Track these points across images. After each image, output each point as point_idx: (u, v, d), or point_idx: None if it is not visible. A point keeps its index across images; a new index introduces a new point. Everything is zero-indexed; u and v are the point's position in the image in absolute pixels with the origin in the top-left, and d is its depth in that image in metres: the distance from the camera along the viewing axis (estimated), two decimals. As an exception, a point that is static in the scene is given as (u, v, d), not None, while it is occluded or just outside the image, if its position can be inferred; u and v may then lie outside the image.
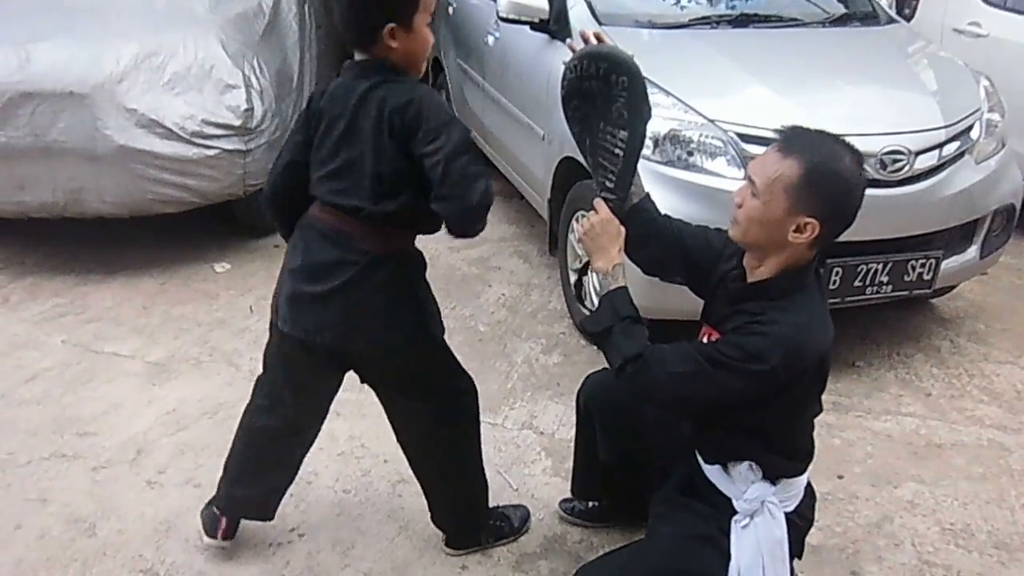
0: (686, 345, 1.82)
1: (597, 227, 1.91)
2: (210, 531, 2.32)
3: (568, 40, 2.05)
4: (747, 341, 1.71)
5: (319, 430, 2.31)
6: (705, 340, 1.89)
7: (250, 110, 3.94)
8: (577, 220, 3.51)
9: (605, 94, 1.91)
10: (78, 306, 3.78)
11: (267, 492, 2.32)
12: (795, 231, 1.71)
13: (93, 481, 2.67)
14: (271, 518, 2.36)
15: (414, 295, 2.00)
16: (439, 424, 2.17)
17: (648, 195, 2.05)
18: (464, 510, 2.35)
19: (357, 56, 1.92)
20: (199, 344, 3.49)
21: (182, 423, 2.96)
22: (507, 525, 2.43)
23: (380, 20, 1.80)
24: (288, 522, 2.49)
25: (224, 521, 2.32)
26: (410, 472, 2.68)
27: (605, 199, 1.96)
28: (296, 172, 1.99)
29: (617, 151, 1.92)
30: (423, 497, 2.58)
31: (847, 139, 1.77)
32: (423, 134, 1.78)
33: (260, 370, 3.24)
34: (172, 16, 4.17)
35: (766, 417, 1.80)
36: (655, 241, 2.01)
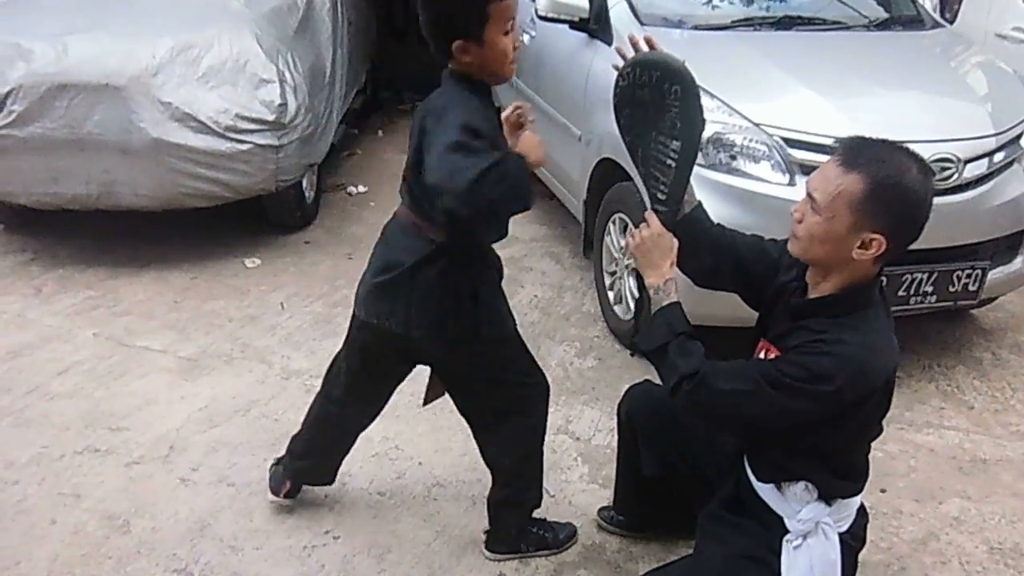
0: (745, 362, 1.77)
1: (648, 241, 1.85)
2: (275, 489, 2.48)
3: (616, 45, 1.98)
4: (812, 361, 1.65)
5: (379, 411, 2.38)
6: (762, 356, 1.83)
7: (284, 105, 3.92)
8: (614, 223, 3.47)
9: (658, 103, 1.86)
10: (110, 299, 3.77)
11: (328, 462, 2.47)
12: (860, 247, 1.65)
13: (127, 477, 2.65)
14: (331, 483, 2.51)
15: (475, 291, 1.99)
16: (499, 417, 2.19)
17: (700, 204, 2.00)
18: (513, 503, 2.33)
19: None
20: (230, 340, 3.47)
21: (215, 420, 2.94)
22: (551, 536, 2.39)
23: (448, 36, 1.80)
24: (323, 524, 2.47)
25: (288, 483, 2.47)
26: (446, 475, 2.68)
27: (656, 211, 1.90)
28: None
29: (669, 162, 1.86)
30: (459, 501, 2.57)
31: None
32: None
33: (291, 367, 3.26)
34: (207, 11, 4.16)
35: (828, 439, 1.74)
36: (708, 252, 1.96)
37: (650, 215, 1.90)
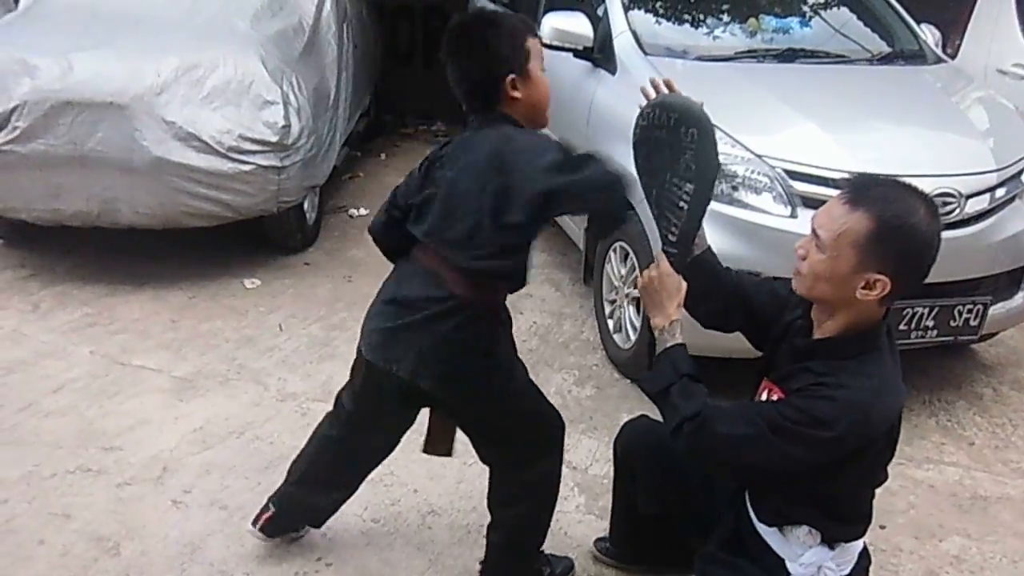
0: (748, 405, 1.74)
1: (656, 282, 1.84)
2: (255, 519, 2.34)
3: (641, 86, 2.00)
4: (813, 405, 1.62)
5: (385, 456, 2.32)
6: (765, 396, 1.80)
7: (287, 127, 3.93)
8: (615, 251, 3.46)
9: (674, 146, 1.85)
10: (106, 317, 3.76)
11: (325, 504, 2.35)
12: (864, 288, 1.62)
13: (117, 498, 2.62)
14: (318, 525, 2.41)
15: (490, 349, 1.96)
16: (511, 468, 2.14)
17: (710, 248, 1.98)
18: (514, 547, 2.26)
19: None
20: (227, 361, 3.45)
21: (208, 442, 2.91)
22: (548, 571, 2.34)
23: (501, 73, 1.86)
24: (315, 551, 2.43)
25: (271, 509, 2.32)
26: (441, 503, 2.65)
27: (666, 252, 1.89)
28: None
29: (682, 204, 1.85)
30: (454, 530, 2.53)
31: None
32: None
33: (287, 390, 3.24)
34: (213, 31, 4.18)
35: (831, 486, 1.71)
36: (716, 295, 1.94)
37: (660, 256, 1.89)
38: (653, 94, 1.93)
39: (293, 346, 3.59)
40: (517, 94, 1.87)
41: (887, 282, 1.61)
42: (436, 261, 1.90)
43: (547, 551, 2.38)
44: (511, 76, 1.86)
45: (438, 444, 2.14)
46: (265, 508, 2.34)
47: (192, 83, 3.83)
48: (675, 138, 1.85)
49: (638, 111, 1.96)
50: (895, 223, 1.59)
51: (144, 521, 2.52)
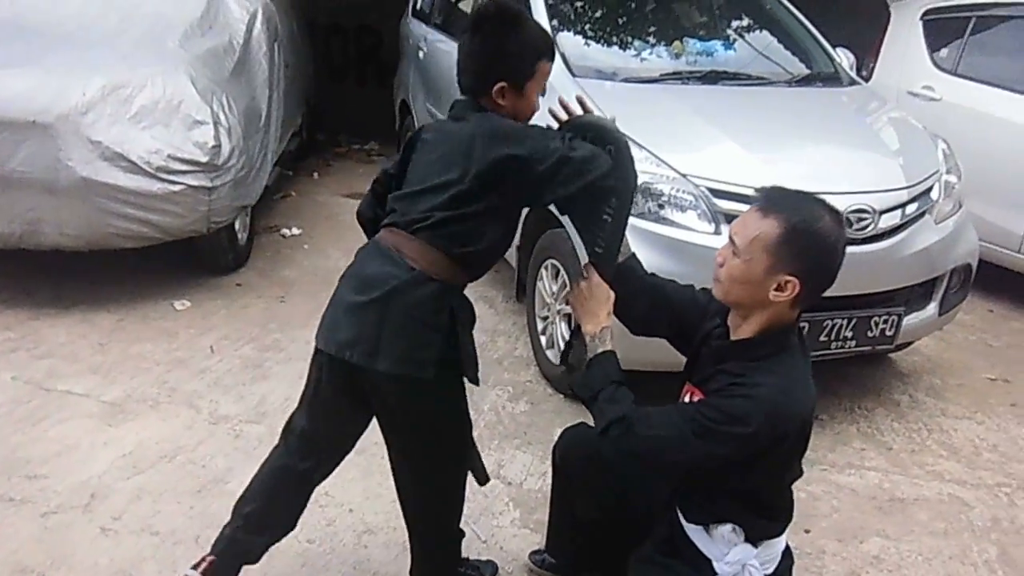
0: (670, 408, 1.82)
1: (586, 292, 1.94)
2: (196, 564, 2.13)
3: (550, 107, 2.06)
4: (730, 404, 1.71)
5: (329, 472, 2.20)
6: (687, 399, 1.89)
7: (217, 147, 3.90)
8: (547, 268, 3.52)
9: None
10: (30, 341, 3.66)
11: (271, 540, 2.20)
12: (776, 289, 1.73)
13: (43, 528, 2.55)
14: (256, 562, 2.24)
15: (452, 328, 1.90)
16: (426, 480, 2.12)
17: (634, 255, 2.07)
18: (436, 563, 2.29)
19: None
20: (157, 384, 3.39)
21: (139, 466, 2.86)
22: (475, 575, 2.38)
23: (497, 75, 1.87)
24: (250, 573, 2.39)
25: (212, 557, 2.13)
26: (377, 522, 2.65)
27: (594, 264, 1.97)
28: None
29: (605, 217, 1.94)
30: (390, 548, 2.54)
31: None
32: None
33: (220, 412, 3.20)
34: (142, 50, 4.13)
35: (750, 480, 1.79)
36: (643, 301, 2.03)
37: (588, 267, 1.98)
38: (563, 114, 2.01)
39: (225, 367, 3.55)
40: (503, 102, 1.89)
41: (796, 283, 1.72)
42: (398, 238, 1.89)
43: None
44: (503, 84, 1.87)
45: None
46: (209, 554, 2.16)
47: (120, 102, 3.78)
48: None
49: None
50: (802, 227, 1.71)
51: (72, 550, 2.47)
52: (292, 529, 2.22)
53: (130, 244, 3.92)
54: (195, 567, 2.13)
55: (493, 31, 1.90)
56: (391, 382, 1.90)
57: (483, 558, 2.47)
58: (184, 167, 3.82)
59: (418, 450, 2.06)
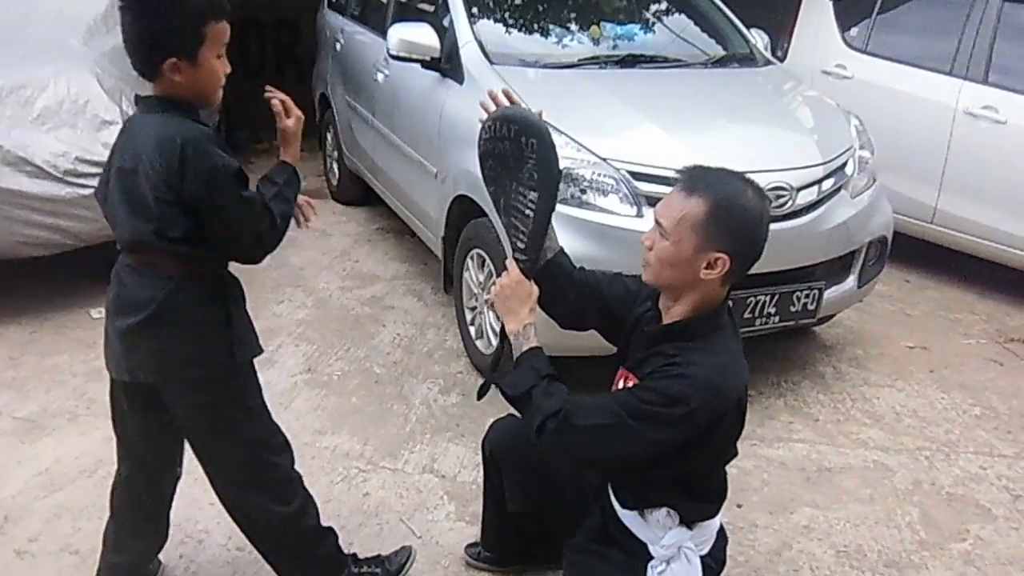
0: (606, 396, 1.80)
1: (507, 289, 1.90)
2: None
3: (480, 100, 2.03)
4: (666, 385, 1.70)
5: (176, 478, 2.20)
6: (621, 385, 1.87)
7: (128, 148, 3.75)
8: (472, 259, 3.49)
9: (517, 155, 1.91)
10: (-65, 359, 3.49)
11: (137, 556, 2.20)
12: (706, 268, 1.73)
13: (-46, 553, 2.44)
14: None
15: (228, 314, 1.91)
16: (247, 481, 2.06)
17: (562, 250, 2.04)
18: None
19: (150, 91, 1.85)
20: (75, 397, 3.27)
21: (57, 484, 2.75)
22: (381, 571, 2.30)
23: (162, 54, 1.74)
24: (178, 585, 2.34)
25: None
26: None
27: (517, 260, 1.95)
28: None
29: (528, 212, 1.91)
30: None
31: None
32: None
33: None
34: (43, 49, 3.96)
35: (685, 464, 1.78)
36: (570, 295, 2.00)
37: (510, 263, 1.94)
38: (492, 107, 1.98)
39: (147, 375, 3.43)
40: (179, 78, 1.76)
41: (726, 259, 1.72)
42: (150, 252, 1.84)
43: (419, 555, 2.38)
44: (172, 60, 1.74)
45: None
46: None
47: (20, 104, 3.62)
48: (517, 149, 1.91)
49: (479, 125, 2.00)
50: (727, 203, 1.72)
51: (-14, 574, 2.36)
52: (161, 539, 2.23)
53: (40, 252, 3.76)
54: None
55: (144, 4, 1.75)
56: (184, 387, 1.92)
57: (428, 561, 2.41)
58: (93, 169, 3.65)
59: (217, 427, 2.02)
